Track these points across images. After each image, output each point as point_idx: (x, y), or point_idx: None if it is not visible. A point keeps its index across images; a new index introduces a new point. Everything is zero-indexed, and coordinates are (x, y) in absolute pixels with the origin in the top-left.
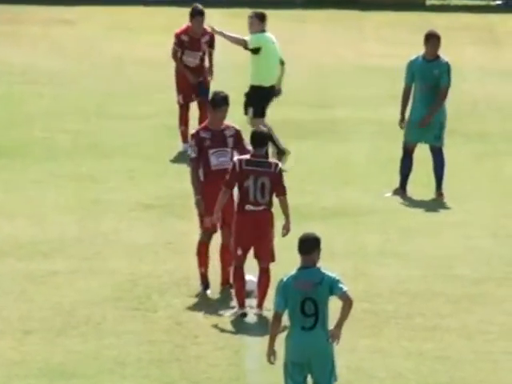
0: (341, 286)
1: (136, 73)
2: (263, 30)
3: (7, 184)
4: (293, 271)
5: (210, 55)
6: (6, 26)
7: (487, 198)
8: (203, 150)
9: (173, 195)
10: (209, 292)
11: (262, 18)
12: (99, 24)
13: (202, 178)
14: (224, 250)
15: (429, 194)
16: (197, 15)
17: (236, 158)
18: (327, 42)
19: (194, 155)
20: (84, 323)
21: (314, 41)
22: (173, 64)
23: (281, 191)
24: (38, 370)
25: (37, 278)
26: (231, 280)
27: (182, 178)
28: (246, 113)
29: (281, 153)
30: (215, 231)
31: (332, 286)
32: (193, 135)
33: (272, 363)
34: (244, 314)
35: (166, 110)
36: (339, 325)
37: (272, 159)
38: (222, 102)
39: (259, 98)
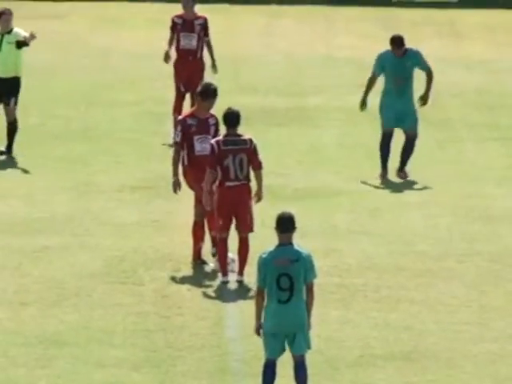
0: (313, 274)
1: (121, 64)
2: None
3: (3, 166)
4: (271, 248)
5: (209, 46)
6: None
7: (448, 180)
8: (189, 135)
9: (158, 177)
10: (211, 265)
11: (12, 14)
12: (87, 18)
13: (186, 162)
14: (196, 226)
15: (395, 176)
16: None
17: (213, 140)
18: (300, 35)
19: (178, 140)
20: (75, 295)
21: (288, 34)
22: (157, 56)
23: (257, 165)
24: (34, 338)
25: (31, 254)
26: (216, 251)
27: (166, 162)
28: (7, 103)
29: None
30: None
31: (307, 269)
32: (179, 121)
33: (260, 336)
34: (226, 282)
35: (149, 98)
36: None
37: (246, 136)
38: (211, 93)
39: (18, 88)
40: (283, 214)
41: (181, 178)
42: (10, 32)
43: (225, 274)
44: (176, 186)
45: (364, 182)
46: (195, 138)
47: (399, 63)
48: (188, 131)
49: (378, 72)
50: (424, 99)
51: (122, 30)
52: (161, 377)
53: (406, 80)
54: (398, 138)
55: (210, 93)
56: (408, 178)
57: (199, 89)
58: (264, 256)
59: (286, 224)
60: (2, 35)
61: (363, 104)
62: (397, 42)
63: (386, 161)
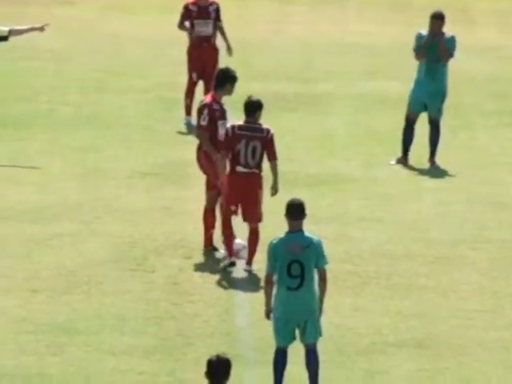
0: (324, 260)
1: (131, 50)
2: None
3: (14, 153)
4: (281, 235)
5: (222, 30)
6: (11, 7)
7: (461, 166)
8: (213, 121)
9: (169, 164)
10: (222, 252)
11: None
12: (97, 4)
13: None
14: (207, 213)
15: (410, 163)
16: None
17: (229, 124)
18: (312, 21)
19: (204, 123)
20: (86, 283)
21: (301, 20)
22: (168, 41)
23: (272, 156)
24: (45, 326)
25: (41, 241)
26: (221, 232)
27: (177, 148)
28: None
29: None
30: (220, 195)
31: (318, 255)
32: (207, 105)
33: (270, 320)
34: (233, 263)
35: (160, 84)
36: (319, 308)
37: (265, 125)
38: (232, 78)
39: None
40: (293, 201)
41: (195, 161)
42: None
43: (231, 254)
44: (220, 162)
45: (376, 169)
46: (219, 122)
47: (434, 43)
48: (213, 116)
49: (418, 48)
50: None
51: (132, 15)
52: (172, 364)
53: (437, 61)
54: (425, 125)
55: (234, 77)
56: (436, 164)
57: (219, 75)
58: (274, 242)
59: (296, 211)
60: None
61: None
62: (438, 15)
63: (407, 147)
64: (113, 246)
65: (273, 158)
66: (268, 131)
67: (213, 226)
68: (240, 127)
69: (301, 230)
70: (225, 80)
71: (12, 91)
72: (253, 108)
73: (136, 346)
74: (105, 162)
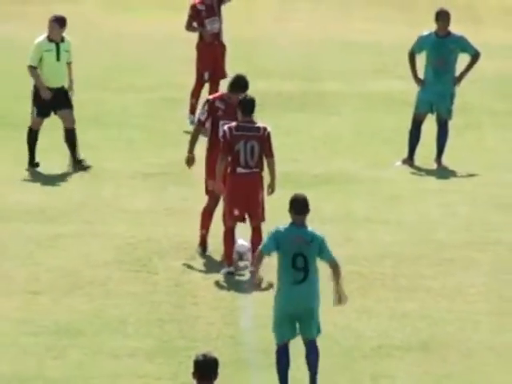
0: (329, 250)
1: (134, 48)
2: None
3: (16, 154)
4: (286, 225)
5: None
6: (14, 6)
7: (468, 167)
8: (214, 118)
9: (172, 164)
10: (206, 254)
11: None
12: (100, 2)
13: (207, 146)
14: (204, 213)
15: (417, 164)
16: None
17: (226, 126)
18: (317, 18)
19: (202, 118)
20: (89, 284)
21: (305, 17)
22: (171, 40)
23: (269, 153)
24: (46, 328)
25: (43, 242)
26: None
27: (180, 148)
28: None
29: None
30: (220, 196)
31: (321, 248)
32: (208, 101)
33: (262, 280)
34: (231, 273)
35: (163, 83)
36: (339, 290)
37: (261, 123)
38: (245, 86)
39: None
40: (297, 196)
41: (198, 161)
42: (63, 40)
43: (230, 264)
44: (191, 161)
45: (382, 169)
46: (221, 122)
47: (441, 44)
48: (214, 114)
49: (417, 50)
50: (458, 79)
51: (135, 13)
52: (175, 367)
53: (446, 63)
54: (432, 125)
55: (243, 85)
56: (442, 166)
57: (232, 81)
58: (281, 229)
59: (300, 206)
60: (57, 44)
61: (418, 81)
62: (443, 15)
63: (413, 148)
64: (115, 248)
65: (270, 155)
66: (264, 129)
67: (207, 228)
68: (237, 127)
69: (304, 226)
70: (240, 87)
71: (14, 91)
72: (249, 107)
73: (138, 348)
74: (106, 163)
